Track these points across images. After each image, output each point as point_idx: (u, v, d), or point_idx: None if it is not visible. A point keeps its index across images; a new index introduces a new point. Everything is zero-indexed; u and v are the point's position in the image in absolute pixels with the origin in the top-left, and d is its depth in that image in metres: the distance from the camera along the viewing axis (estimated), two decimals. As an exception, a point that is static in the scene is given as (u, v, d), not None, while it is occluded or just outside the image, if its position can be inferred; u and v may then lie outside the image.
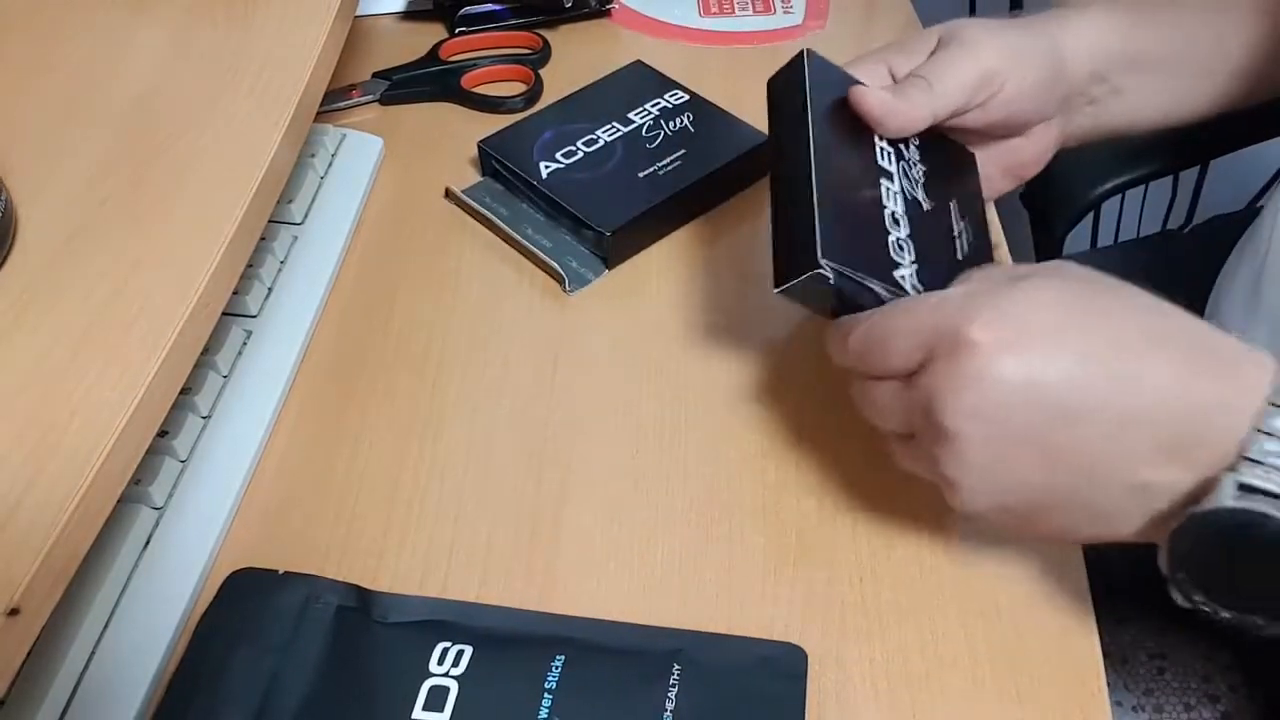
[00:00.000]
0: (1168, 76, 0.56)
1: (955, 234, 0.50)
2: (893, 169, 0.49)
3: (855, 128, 0.49)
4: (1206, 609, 0.36)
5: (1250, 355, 0.37)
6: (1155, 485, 0.37)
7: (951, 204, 0.51)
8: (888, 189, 0.48)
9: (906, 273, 0.45)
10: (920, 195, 0.49)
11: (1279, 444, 0.34)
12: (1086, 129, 0.56)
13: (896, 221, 0.47)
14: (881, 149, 0.49)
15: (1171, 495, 0.36)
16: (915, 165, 0.50)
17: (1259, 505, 0.33)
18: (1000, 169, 0.56)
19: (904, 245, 0.46)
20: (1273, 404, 0.35)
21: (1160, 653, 0.64)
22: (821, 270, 0.42)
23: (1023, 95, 0.50)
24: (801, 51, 0.49)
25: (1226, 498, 0.34)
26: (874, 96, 0.48)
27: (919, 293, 0.44)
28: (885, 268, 0.44)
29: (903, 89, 0.49)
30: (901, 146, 0.50)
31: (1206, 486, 0.35)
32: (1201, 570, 0.36)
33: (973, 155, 0.55)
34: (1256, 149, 0.85)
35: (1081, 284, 0.39)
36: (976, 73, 0.49)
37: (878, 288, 0.43)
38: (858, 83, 0.49)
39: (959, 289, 0.41)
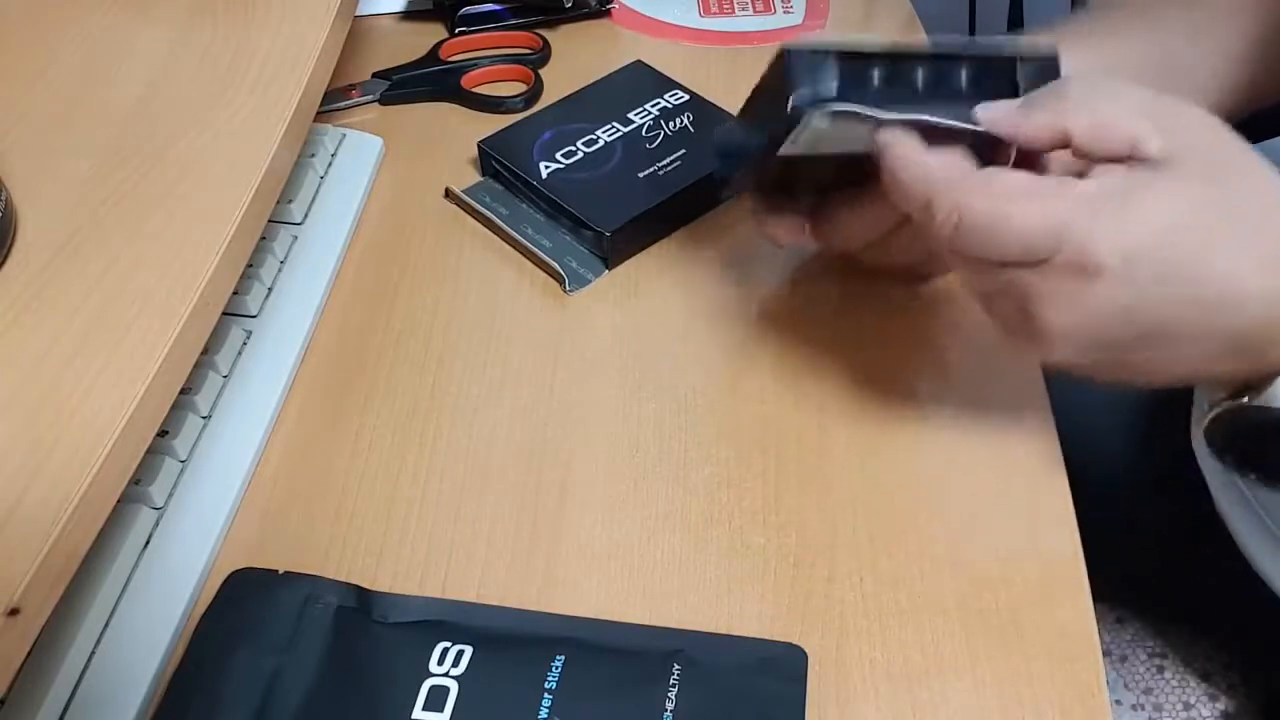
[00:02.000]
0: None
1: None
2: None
3: None
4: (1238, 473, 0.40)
5: None
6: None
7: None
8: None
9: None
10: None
11: None
12: None
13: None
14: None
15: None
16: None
17: None
18: None
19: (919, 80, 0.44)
20: None
21: (1160, 651, 0.64)
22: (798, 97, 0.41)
23: None
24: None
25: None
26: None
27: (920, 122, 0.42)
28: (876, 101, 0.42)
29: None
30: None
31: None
32: (1244, 446, 0.39)
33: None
34: (1256, 149, 0.85)
35: (1209, 192, 0.38)
36: None
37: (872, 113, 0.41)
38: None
39: (1092, 185, 0.38)
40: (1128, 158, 0.38)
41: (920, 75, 0.43)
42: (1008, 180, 0.38)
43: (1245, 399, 0.38)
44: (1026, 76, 0.43)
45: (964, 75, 0.43)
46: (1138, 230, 0.37)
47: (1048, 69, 0.43)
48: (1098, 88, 0.39)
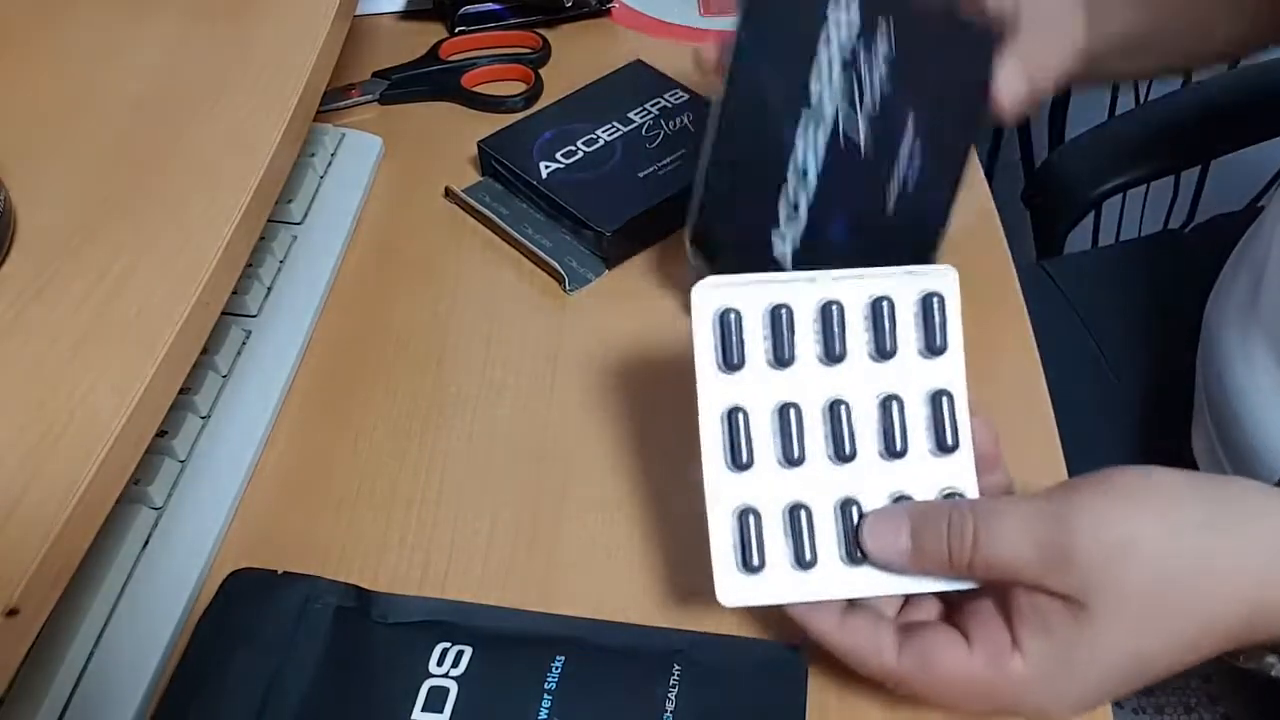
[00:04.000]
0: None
1: (893, 175, 0.46)
2: (824, 91, 0.45)
3: (801, 41, 0.45)
4: None
5: None
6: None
7: (909, 120, 0.46)
8: (806, 123, 0.45)
9: (788, 234, 0.43)
10: (860, 124, 0.45)
11: None
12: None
13: (803, 171, 0.44)
14: (826, 60, 0.45)
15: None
16: (878, 65, 0.45)
17: None
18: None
19: (799, 196, 0.44)
20: None
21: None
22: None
23: None
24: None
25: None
26: None
27: (794, 258, 0.42)
28: (764, 224, 0.43)
29: None
30: (866, 43, 0.45)
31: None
32: None
33: (994, 34, 0.46)
34: (1257, 149, 0.85)
35: (1128, 627, 0.37)
36: None
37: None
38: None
39: (1020, 667, 0.38)
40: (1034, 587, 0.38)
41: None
42: (943, 665, 0.39)
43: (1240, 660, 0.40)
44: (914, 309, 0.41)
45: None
46: (1076, 697, 0.38)
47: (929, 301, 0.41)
48: (988, 515, 0.38)
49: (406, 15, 0.80)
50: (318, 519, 0.50)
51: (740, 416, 0.40)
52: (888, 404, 0.40)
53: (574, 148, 0.64)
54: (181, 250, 0.46)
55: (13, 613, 0.34)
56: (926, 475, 0.40)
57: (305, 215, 0.63)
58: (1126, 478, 0.38)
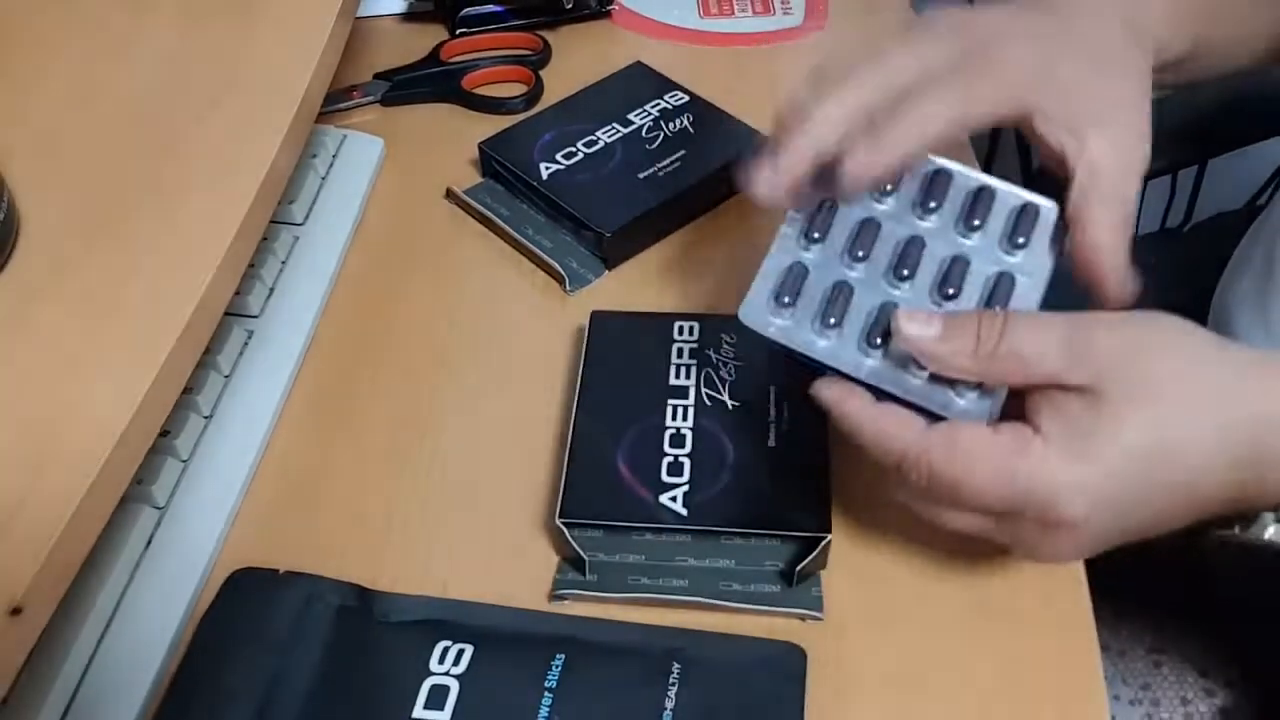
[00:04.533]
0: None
1: (770, 420, 0.50)
2: (689, 384, 0.51)
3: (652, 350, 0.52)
4: None
5: None
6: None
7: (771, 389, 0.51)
8: (675, 408, 0.50)
9: (677, 494, 0.47)
10: (725, 396, 0.51)
11: None
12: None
13: (680, 438, 0.49)
14: (680, 367, 0.52)
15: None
16: (726, 365, 0.52)
17: None
18: None
19: (682, 461, 0.48)
20: None
21: (1158, 646, 0.64)
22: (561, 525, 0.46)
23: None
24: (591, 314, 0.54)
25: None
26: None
27: (686, 510, 0.46)
28: (654, 490, 0.47)
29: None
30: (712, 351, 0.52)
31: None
32: None
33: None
34: (1254, 148, 0.85)
35: (1144, 414, 0.38)
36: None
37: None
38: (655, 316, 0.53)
39: (1041, 445, 0.38)
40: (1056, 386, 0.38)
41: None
42: (967, 440, 0.39)
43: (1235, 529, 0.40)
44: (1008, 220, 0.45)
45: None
46: (1097, 481, 0.38)
47: (1028, 212, 0.44)
48: (1018, 316, 0.39)
49: (408, 17, 0.81)
50: (319, 518, 0.50)
51: (827, 205, 0.45)
52: (957, 260, 0.43)
53: (574, 149, 0.64)
54: (184, 251, 0.46)
55: (16, 611, 0.34)
56: None
57: (307, 216, 0.63)
58: (1151, 314, 0.39)
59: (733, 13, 0.80)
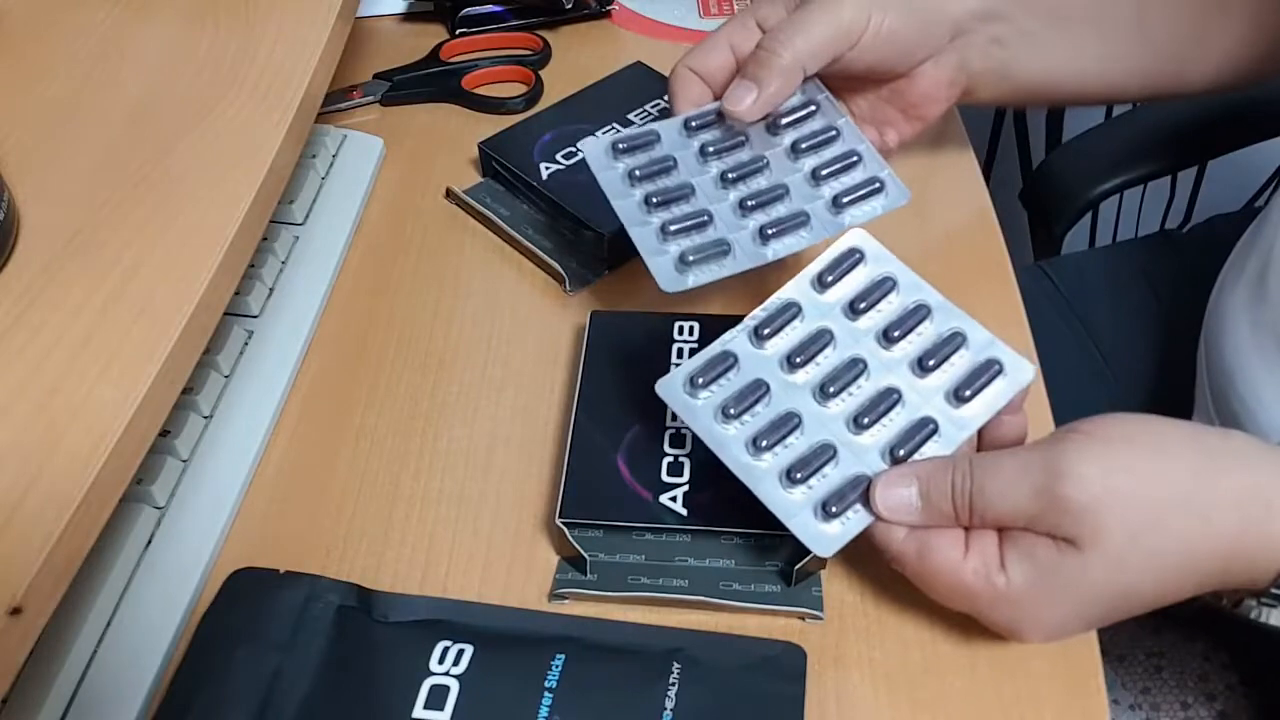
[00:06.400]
0: (1084, 35, 0.57)
1: None
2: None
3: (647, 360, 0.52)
4: None
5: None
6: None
7: None
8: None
9: (677, 494, 0.47)
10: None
11: None
12: (996, 74, 0.57)
13: (680, 438, 0.49)
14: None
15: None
16: None
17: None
18: (897, 110, 0.57)
19: (682, 461, 0.48)
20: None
21: (1158, 651, 0.64)
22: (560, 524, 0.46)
23: (883, 39, 0.52)
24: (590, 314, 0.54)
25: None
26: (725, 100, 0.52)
27: (686, 510, 0.46)
28: (654, 490, 0.47)
29: (748, 71, 0.51)
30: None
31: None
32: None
33: None
34: (1253, 150, 0.85)
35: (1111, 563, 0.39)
36: (831, 29, 0.51)
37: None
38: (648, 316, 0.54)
39: (1004, 583, 0.40)
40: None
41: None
42: (936, 560, 0.41)
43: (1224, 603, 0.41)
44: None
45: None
46: (1058, 619, 0.41)
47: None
48: (985, 471, 0.40)
49: (408, 17, 0.81)
50: (319, 518, 0.50)
51: (793, 310, 0.46)
52: (889, 393, 0.44)
53: (574, 149, 0.64)
54: (184, 250, 0.46)
55: (16, 611, 0.34)
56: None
57: (307, 216, 0.63)
58: (1122, 426, 0.40)
59: (732, 12, 0.80)
